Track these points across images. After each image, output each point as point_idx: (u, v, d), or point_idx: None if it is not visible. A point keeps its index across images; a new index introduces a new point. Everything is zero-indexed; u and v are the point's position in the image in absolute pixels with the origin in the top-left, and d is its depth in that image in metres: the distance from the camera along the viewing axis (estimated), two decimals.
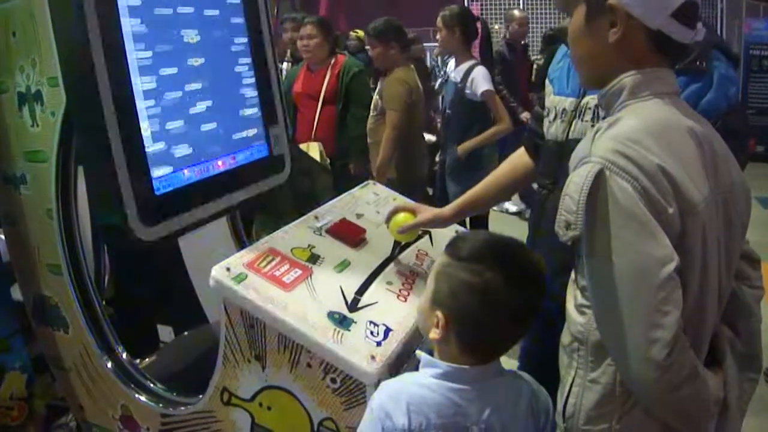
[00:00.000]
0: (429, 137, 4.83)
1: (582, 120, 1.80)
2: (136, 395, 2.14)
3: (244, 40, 2.43)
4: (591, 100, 1.77)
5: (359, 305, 1.81)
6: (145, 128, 1.95)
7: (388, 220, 2.08)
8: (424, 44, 8.44)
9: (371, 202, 2.43)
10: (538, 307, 1.46)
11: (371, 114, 4.36)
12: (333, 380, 1.68)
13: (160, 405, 2.10)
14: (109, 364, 2.18)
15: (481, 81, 4.19)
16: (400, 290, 1.94)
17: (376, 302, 1.84)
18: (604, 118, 1.42)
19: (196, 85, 2.16)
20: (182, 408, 2.03)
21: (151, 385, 2.17)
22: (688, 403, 1.28)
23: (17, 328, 2.35)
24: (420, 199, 2.72)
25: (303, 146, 4.24)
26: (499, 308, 1.40)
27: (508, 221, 6.26)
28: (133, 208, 1.88)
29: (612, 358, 1.33)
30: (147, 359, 2.52)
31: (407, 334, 1.77)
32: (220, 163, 2.25)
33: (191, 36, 2.15)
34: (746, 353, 1.47)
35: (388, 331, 1.74)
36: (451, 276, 1.43)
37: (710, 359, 1.38)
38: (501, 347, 1.51)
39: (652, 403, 1.30)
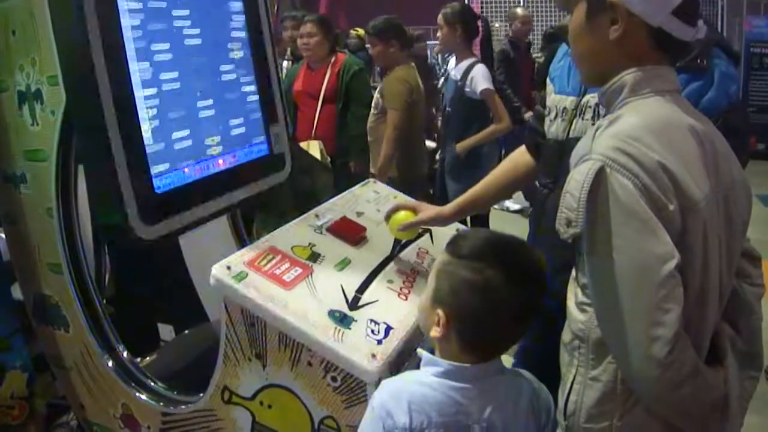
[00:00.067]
0: (429, 144, 4.82)
1: (583, 118, 1.80)
2: (137, 394, 2.14)
3: (245, 38, 2.42)
4: (591, 98, 1.77)
5: (360, 303, 1.81)
6: (145, 127, 1.94)
7: (388, 218, 2.08)
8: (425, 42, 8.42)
9: (372, 200, 2.43)
10: (539, 305, 1.46)
11: (372, 112, 4.36)
12: (334, 379, 1.68)
13: (161, 404, 2.10)
14: (110, 363, 2.18)
15: (480, 79, 4.19)
16: (400, 288, 1.94)
17: (377, 300, 1.84)
18: (604, 115, 1.41)
19: (196, 84, 2.15)
20: (183, 407, 2.03)
21: (152, 383, 2.17)
22: (689, 401, 1.28)
23: (18, 327, 2.35)
24: (421, 198, 2.72)
25: (303, 145, 4.24)
26: (500, 306, 1.39)
27: (509, 219, 6.25)
28: (133, 207, 1.88)
29: (613, 356, 1.33)
30: (147, 358, 2.52)
31: (408, 333, 1.77)
32: (220, 161, 2.25)
33: (192, 34, 2.14)
34: (747, 351, 1.47)
35: (388, 329, 1.74)
36: (452, 274, 1.43)
37: (711, 357, 1.38)
38: (502, 345, 1.51)
39: (653, 401, 1.30)
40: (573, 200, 1.26)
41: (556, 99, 1.92)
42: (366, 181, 2.64)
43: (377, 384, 1.56)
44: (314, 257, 1.94)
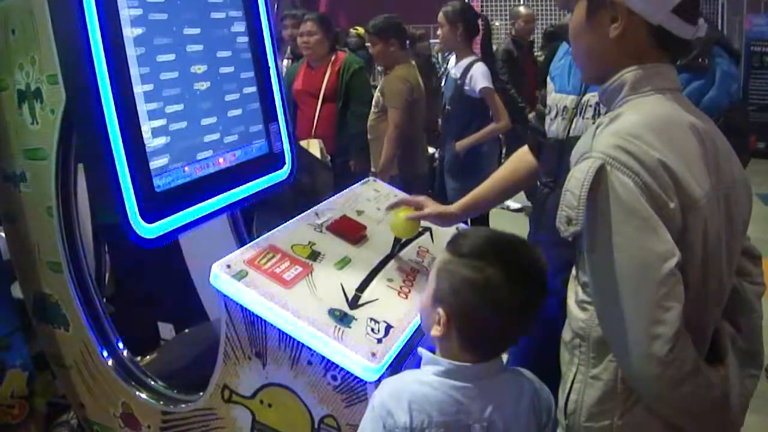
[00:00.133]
0: (430, 149, 4.82)
1: (583, 117, 1.80)
2: (137, 393, 2.14)
3: (245, 36, 2.42)
4: (592, 97, 1.76)
5: (360, 302, 1.81)
6: (145, 125, 1.94)
7: (389, 209, 2.08)
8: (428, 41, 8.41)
9: (372, 198, 2.43)
10: (540, 304, 1.45)
11: (372, 111, 4.36)
12: (334, 377, 1.68)
13: (161, 402, 2.10)
14: (110, 362, 2.18)
15: (480, 78, 4.19)
16: (400, 287, 1.94)
17: (377, 299, 1.84)
18: (605, 114, 1.41)
19: (196, 82, 2.15)
20: (183, 405, 2.03)
21: (152, 382, 2.17)
22: (689, 399, 1.27)
23: (18, 326, 2.35)
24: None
25: (303, 143, 4.23)
26: (501, 305, 1.39)
27: (510, 218, 6.25)
28: (133, 206, 1.87)
29: (613, 354, 1.33)
30: (148, 357, 2.52)
31: (408, 331, 1.77)
32: (220, 160, 2.25)
33: (191, 32, 2.14)
34: (747, 349, 1.47)
35: (389, 328, 1.74)
36: (453, 273, 1.43)
37: (711, 356, 1.38)
38: (502, 344, 1.51)
39: (654, 400, 1.30)
40: (573, 198, 1.26)
41: (556, 98, 1.91)
42: (366, 179, 2.64)
43: (377, 383, 1.56)
44: (314, 256, 1.94)
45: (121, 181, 1.85)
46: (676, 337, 1.21)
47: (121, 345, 2.21)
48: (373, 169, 4.32)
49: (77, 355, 2.23)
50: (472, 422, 1.42)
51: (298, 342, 1.69)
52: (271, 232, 2.03)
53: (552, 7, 10.74)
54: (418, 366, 1.52)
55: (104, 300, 2.31)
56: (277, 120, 2.55)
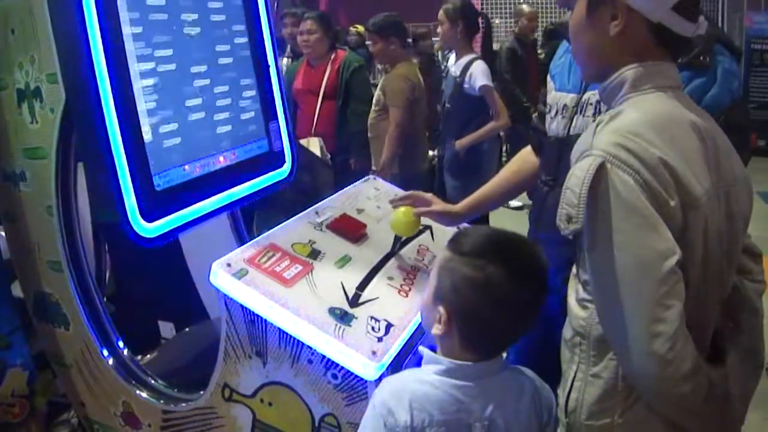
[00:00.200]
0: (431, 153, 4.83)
1: (583, 115, 1.80)
2: (137, 392, 2.14)
3: (245, 35, 2.42)
4: (592, 95, 1.76)
5: (360, 301, 1.80)
6: (145, 124, 1.94)
7: (395, 204, 2.08)
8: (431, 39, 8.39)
9: (372, 197, 2.43)
10: (541, 303, 1.45)
11: (373, 109, 4.36)
12: (334, 376, 1.68)
13: (162, 401, 2.10)
14: (110, 361, 2.18)
15: (479, 75, 4.18)
16: (401, 286, 1.94)
17: (377, 298, 1.84)
18: (606, 111, 1.41)
19: (196, 81, 2.15)
20: (183, 404, 2.03)
21: (153, 381, 2.17)
22: (689, 397, 1.27)
23: (18, 325, 2.35)
24: None
25: (303, 142, 4.23)
26: (501, 303, 1.39)
27: (510, 216, 6.24)
28: (133, 205, 1.87)
29: (614, 352, 1.33)
30: (148, 356, 2.52)
31: (409, 330, 1.77)
32: (220, 159, 2.24)
33: (191, 31, 2.14)
34: (748, 347, 1.47)
35: (389, 326, 1.74)
36: (453, 271, 1.43)
37: (712, 354, 1.38)
38: (503, 343, 1.51)
39: (654, 398, 1.30)
40: (574, 196, 1.25)
41: (556, 96, 1.91)
42: (366, 178, 2.64)
43: (378, 381, 1.55)
44: (314, 254, 1.94)
45: (120, 180, 1.85)
46: (677, 335, 1.21)
47: (121, 344, 2.21)
48: (373, 167, 4.32)
49: (78, 354, 2.23)
50: (473, 421, 1.41)
51: (299, 341, 1.69)
52: (272, 230, 2.03)
53: (553, 5, 10.73)
54: (418, 365, 1.52)
55: (104, 299, 2.30)
56: (277, 118, 2.55)
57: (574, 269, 1.44)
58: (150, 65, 1.97)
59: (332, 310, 1.73)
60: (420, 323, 1.67)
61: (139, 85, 1.92)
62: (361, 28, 7.90)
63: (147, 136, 1.94)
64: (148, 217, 1.91)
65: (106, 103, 1.81)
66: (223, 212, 2.38)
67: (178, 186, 2.04)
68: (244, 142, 2.38)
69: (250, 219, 3.39)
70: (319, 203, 2.27)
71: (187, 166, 2.09)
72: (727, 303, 1.43)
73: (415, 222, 2.06)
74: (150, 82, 1.96)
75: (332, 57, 4.42)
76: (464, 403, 1.42)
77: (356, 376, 1.65)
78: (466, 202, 2.11)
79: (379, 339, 1.69)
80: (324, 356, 1.67)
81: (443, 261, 1.48)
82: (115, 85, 1.83)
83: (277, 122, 2.55)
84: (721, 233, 1.33)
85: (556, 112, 1.88)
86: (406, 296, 1.90)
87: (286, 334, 1.70)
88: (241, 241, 2.69)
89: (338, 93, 4.37)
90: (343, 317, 1.72)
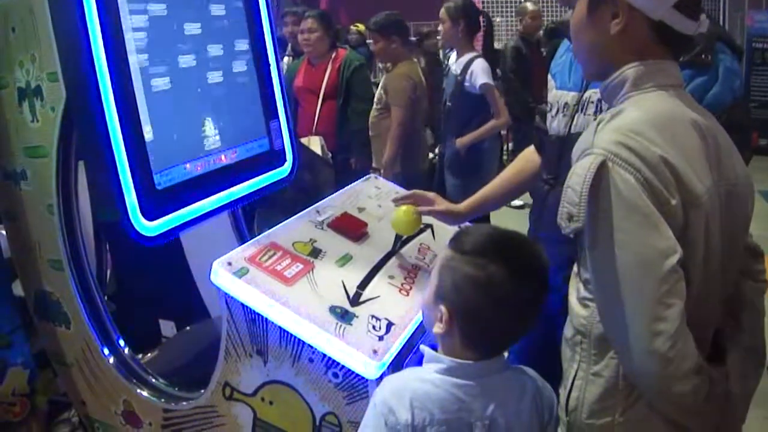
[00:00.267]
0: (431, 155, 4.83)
1: (584, 114, 1.80)
2: (138, 390, 2.14)
3: (246, 33, 2.42)
4: (593, 93, 1.76)
5: (361, 299, 1.80)
6: (146, 123, 1.94)
7: (398, 202, 2.08)
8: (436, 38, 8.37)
9: (373, 195, 2.43)
10: (542, 302, 1.45)
11: (375, 107, 4.36)
12: (335, 375, 1.67)
13: (162, 400, 2.10)
14: (111, 360, 2.18)
15: (480, 73, 4.18)
16: (402, 284, 1.94)
17: (378, 296, 1.84)
18: (607, 110, 1.41)
19: (197, 79, 2.15)
20: (184, 403, 2.03)
21: (153, 380, 2.17)
22: (690, 396, 1.27)
23: (19, 323, 2.35)
24: None
25: (304, 140, 4.23)
26: (503, 302, 1.39)
27: (511, 215, 6.20)
28: (134, 203, 1.87)
29: (615, 351, 1.33)
30: (149, 354, 2.52)
31: (410, 329, 1.77)
32: (221, 157, 2.24)
33: (192, 29, 2.14)
34: (749, 346, 1.47)
35: (390, 325, 1.74)
36: (455, 270, 1.43)
37: (713, 352, 1.37)
38: (505, 342, 1.51)
39: (655, 396, 1.30)
40: (575, 195, 1.25)
41: (557, 94, 1.91)
42: (367, 176, 2.63)
43: (379, 380, 1.55)
44: (315, 253, 1.94)
45: (121, 179, 1.85)
46: (678, 333, 1.21)
47: (122, 342, 2.21)
48: (374, 166, 4.33)
49: (78, 353, 2.23)
50: (474, 420, 1.41)
51: (300, 339, 1.69)
52: (272, 229, 2.02)
53: (554, 3, 10.72)
54: (419, 363, 1.51)
55: (105, 298, 2.30)
56: (278, 117, 2.55)
57: (575, 268, 1.44)
58: (151, 64, 1.96)
59: (333, 309, 1.73)
60: (421, 322, 1.67)
61: (139, 83, 1.92)
62: (361, 27, 7.91)
63: (148, 134, 1.94)
64: (149, 215, 1.91)
65: (106, 101, 1.81)
66: (224, 211, 2.38)
67: (179, 184, 2.04)
68: (245, 141, 2.38)
69: (250, 218, 3.39)
70: (320, 202, 2.27)
71: (187, 165, 2.09)
72: (729, 302, 1.43)
73: (416, 221, 2.05)
74: (151, 80, 1.96)
75: (333, 56, 4.42)
76: (465, 402, 1.42)
77: (357, 375, 1.64)
78: (469, 201, 2.11)
79: (380, 338, 1.69)
80: (325, 355, 1.67)
81: (444, 260, 1.47)
82: (116, 84, 1.83)
83: (278, 121, 2.55)
84: (722, 232, 1.32)
85: (557, 111, 1.88)
86: (407, 295, 1.90)
87: (287, 332, 1.70)
88: (242, 240, 2.69)
89: (339, 92, 4.37)
90: (344, 316, 1.71)
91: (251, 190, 2.36)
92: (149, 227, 1.92)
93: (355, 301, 1.79)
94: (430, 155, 4.81)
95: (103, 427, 2.29)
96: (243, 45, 2.41)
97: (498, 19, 10.37)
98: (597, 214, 1.25)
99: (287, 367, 1.74)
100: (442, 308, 1.43)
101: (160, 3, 2.01)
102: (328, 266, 1.90)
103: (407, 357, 1.73)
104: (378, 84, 4.68)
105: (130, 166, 1.86)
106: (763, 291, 1.52)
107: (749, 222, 1.44)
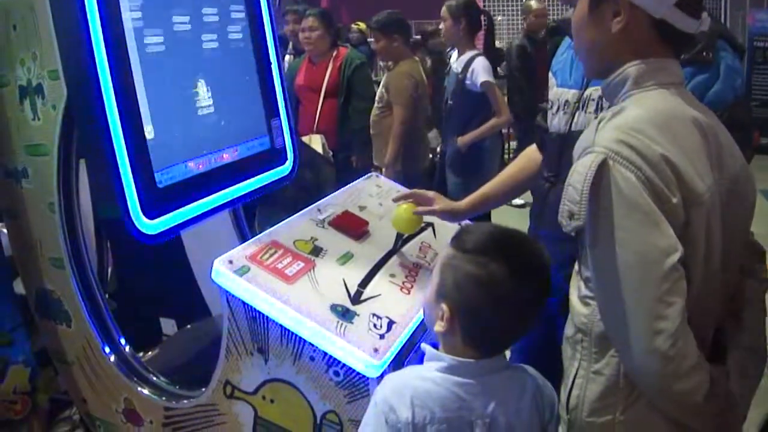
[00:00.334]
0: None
1: (585, 112, 1.80)
2: (139, 388, 2.14)
3: (247, 32, 2.42)
4: (594, 91, 1.76)
5: (362, 298, 1.80)
6: (147, 121, 1.94)
7: (398, 201, 2.07)
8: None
9: (374, 194, 2.43)
10: (543, 300, 1.45)
11: (376, 106, 4.36)
12: (336, 373, 1.67)
13: (163, 398, 2.10)
14: (112, 358, 2.18)
15: (481, 71, 4.17)
16: (403, 283, 1.94)
17: (379, 295, 1.84)
18: (608, 108, 1.41)
19: (198, 78, 2.15)
20: (185, 401, 2.03)
21: (154, 378, 2.17)
22: (691, 395, 1.27)
23: (20, 321, 2.35)
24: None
25: (305, 139, 4.24)
26: (504, 301, 1.39)
27: (512, 214, 6.20)
28: (135, 202, 1.87)
29: (616, 349, 1.32)
30: (150, 352, 2.52)
31: (410, 327, 1.76)
32: (223, 155, 2.24)
33: (193, 27, 2.14)
34: (750, 346, 1.46)
35: (391, 323, 1.74)
36: (456, 268, 1.43)
37: (714, 351, 1.37)
38: (506, 340, 1.51)
39: (656, 395, 1.30)
40: (576, 193, 1.25)
41: (558, 92, 1.91)
42: (368, 175, 2.63)
43: (380, 379, 1.55)
44: (316, 251, 1.94)
45: (122, 177, 1.85)
46: (679, 332, 1.21)
47: (123, 341, 2.21)
48: (376, 164, 4.33)
49: (79, 351, 2.23)
50: (475, 418, 1.41)
51: (301, 338, 1.69)
52: (273, 227, 2.02)
53: (556, 2, 10.71)
54: (420, 362, 1.51)
55: (106, 296, 2.30)
56: (279, 115, 2.55)
57: (576, 266, 1.44)
58: (152, 62, 1.96)
59: (334, 307, 1.73)
60: (422, 320, 1.67)
61: (140, 81, 1.92)
62: (362, 25, 7.91)
63: (149, 133, 1.94)
64: (150, 213, 1.91)
65: (108, 99, 1.81)
66: (225, 209, 2.38)
67: (180, 183, 2.04)
68: (246, 139, 2.38)
69: (252, 216, 3.39)
70: (321, 200, 2.26)
71: (189, 163, 2.09)
72: (730, 301, 1.43)
73: (417, 219, 2.05)
74: (152, 78, 1.96)
75: (334, 54, 4.43)
76: (466, 401, 1.41)
77: (358, 374, 1.64)
78: (469, 199, 2.10)
79: (381, 336, 1.69)
80: (326, 353, 1.67)
81: (446, 258, 1.47)
82: (117, 82, 1.83)
83: (279, 119, 2.54)
84: (723, 230, 1.32)
85: (558, 108, 1.88)
86: (408, 293, 1.90)
87: (288, 331, 1.70)
88: (243, 238, 2.69)
89: (340, 90, 4.38)
90: (345, 314, 1.71)
91: (252, 189, 2.36)
92: (150, 225, 1.92)
93: (356, 299, 1.79)
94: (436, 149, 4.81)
95: (104, 425, 2.29)
96: (245, 43, 2.41)
97: (499, 18, 10.38)
98: (598, 212, 1.24)
99: (288, 366, 1.74)
100: (444, 306, 1.43)
101: (161, 2, 2.01)
102: (329, 264, 1.90)
103: (408, 355, 1.73)
104: (379, 82, 4.68)
105: (131, 164, 1.86)
106: (764, 289, 1.52)
107: (751, 220, 1.44)
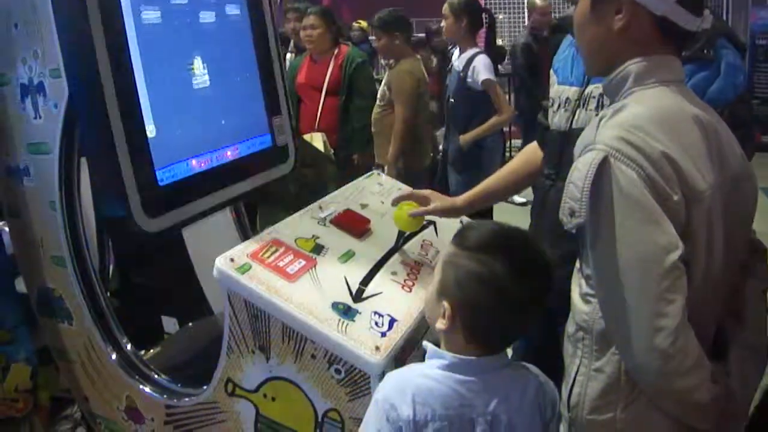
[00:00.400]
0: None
1: (586, 109, 1.80)
2: (141, 386, 2.14)
3: (248, 29, 2.42)
4: (595, 89, 1.76)
5: (364, 296, 1.80)
6: (149, 119, 1.94)
7: (396, 202, 2.07)
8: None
9: (376, 192, 2.42)
10: (545, 298, 1.45)
11: (378, 104, 4.36)
12: (337, 371, 1.67)
13: (165, 396, 2.10)
14: (114, 356, 2.18)
15: (482, 69, 4.17)
16: (404, 280, 1.93)
17: (381, 293, 1.83)
18: (609, 105, 1.41)
19: (199, 76, 2.15)
20: (186, 399, 2.03)
21: (156, 376, 2.17)
22: (692, 392, 1.27)
23: (22, 320, 2.35)
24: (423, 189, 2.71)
25: (306, 137, 4.24)
26: (506, 298, 1.39)
27: (514, 212, 6.23)
28: (136, 200, 1.88)
29: (616, 347, 1.32)
30: (151, 350, 2.52)
31: (412, 325, 1.76)
32: (228, 153, 2.24)
33: (194, 26, 2.14)
34: (751, 344, 1.46)
35: (392, 321, 1.74)
36: (458, 266, 1.43)
37: (715, 349, 1.37)
38: (507, 338, 1.51)
39: (656, 393, 1.30)
40: (576, 190, 1.25)
41: (559, 90, 1.91)
42: (370, 173, 2.63)
43: (381, 376, 1.55)
44: (318, 249, 1.93)
45: (124, 175, 1.85)
46: (679, 330, 1.21)
47: (124, 339, 2.21)
48: (377, 162, 4.33)
49: (81, 349, 2.23)
50: (476, 416, 1.41)
51: (302, 335, 1.69)
52: (275, 225, 2.02)
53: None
54: (422, 360, 1.51)
55: (108, 294, 2.31)
56: (281, 113, 2.55)
57: (577, 263, 1.44)
58: (153, 60, 1.96)
59: (336, 305, 1.73)
60: (423, 318, 1.67)
61: (142, 79, 1.92)
62: (364, 23, 7.90)
63: (150, 131, 1.94)
64: (152, 212, 1.91)
65: (109, 97, 1.81)
66: (227, 207, 2.38)
67: (182, 181, 2.05)
68: (248, 137, 2.38)
69: (253, 214, 3.39)
70: (323, 198, 2.26)
71: (191, 161, 2.09)
72: (731, 299, 1.43)
73: (419, 217, 2.05)
74: (153, 76, 1.96)
75: (335, 52, 4.43)
76: (467, 398, 1.42)
77: (360, 371, 1.64)
78: (468, 195, 2.10)
79: (383, 334, 1.69)
80: (327, 351, 1.67)
81: (448, 256, 1.47)
82: (119, 80, 1.83)
83: (281, 117, 2.54)
84: (724, 228, 1.32)
85: (559, 106, 1.88)
86: (410, 291, 1.90)
87: (290, 329, 1.70)
88: (245, 237, 2.69)
89: (341, 88, 4.38)
90: (346, 312, 1.71)
91: (253, 186, 2.36)
92: (151, 223, 1.92)
93: (357, 297, 1.79)
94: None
95: (105, 423, 2.29)
96: (246, 41, 2.41)
97: (501, 16, 10.36)
98: (598, 209, 1.25)
99: (290, 364, 1.74)
100: (445, 304, 1.43)
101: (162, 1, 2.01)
102: (330, 262, 1.90)
103: (410, 353, 1.73)
104: (380, 80, 4.68)
105: (132, 162, 1.86)
106: (765, 288, 1.52)
107: (752, 218, 1.44)
